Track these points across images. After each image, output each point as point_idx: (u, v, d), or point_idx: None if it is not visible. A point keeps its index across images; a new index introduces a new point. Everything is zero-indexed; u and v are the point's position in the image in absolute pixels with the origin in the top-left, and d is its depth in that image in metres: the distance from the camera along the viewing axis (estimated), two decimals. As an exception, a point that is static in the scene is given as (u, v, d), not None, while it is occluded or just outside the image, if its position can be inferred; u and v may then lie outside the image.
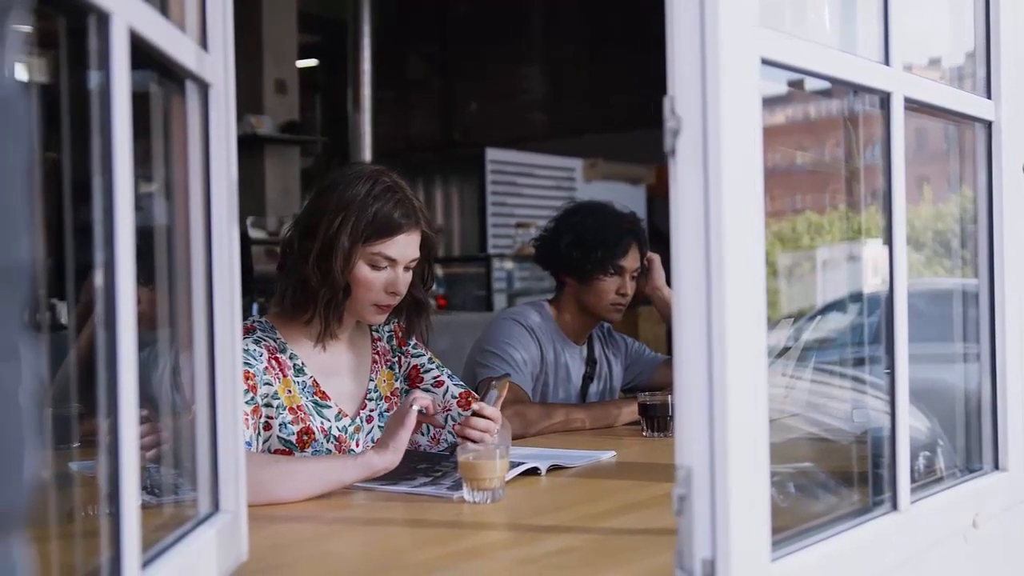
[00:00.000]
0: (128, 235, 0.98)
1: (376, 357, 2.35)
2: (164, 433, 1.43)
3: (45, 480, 1.17)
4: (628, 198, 6.50)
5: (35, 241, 0.55)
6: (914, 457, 1.58)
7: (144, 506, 1.03)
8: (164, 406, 1.40)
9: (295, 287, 2.17)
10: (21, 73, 0.57)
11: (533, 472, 2.10)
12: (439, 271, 7.55)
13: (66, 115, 1.04)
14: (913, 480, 1.53)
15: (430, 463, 2.16)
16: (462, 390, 2.37)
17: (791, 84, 1.45)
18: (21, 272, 0.53)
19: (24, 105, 0.57)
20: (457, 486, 1.91)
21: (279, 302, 2.25)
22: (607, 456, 2.33)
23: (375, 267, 2.16)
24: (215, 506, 1.35)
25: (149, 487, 1.32)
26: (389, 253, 2.15)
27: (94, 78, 0.97)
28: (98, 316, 0.96)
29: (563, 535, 1.66)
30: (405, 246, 2.17)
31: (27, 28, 0.63)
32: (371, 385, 2.31)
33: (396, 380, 2.37)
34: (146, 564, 1.06)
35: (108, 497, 1.00)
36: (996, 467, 1.79)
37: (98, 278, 0.96)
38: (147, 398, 1.23)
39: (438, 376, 2.38)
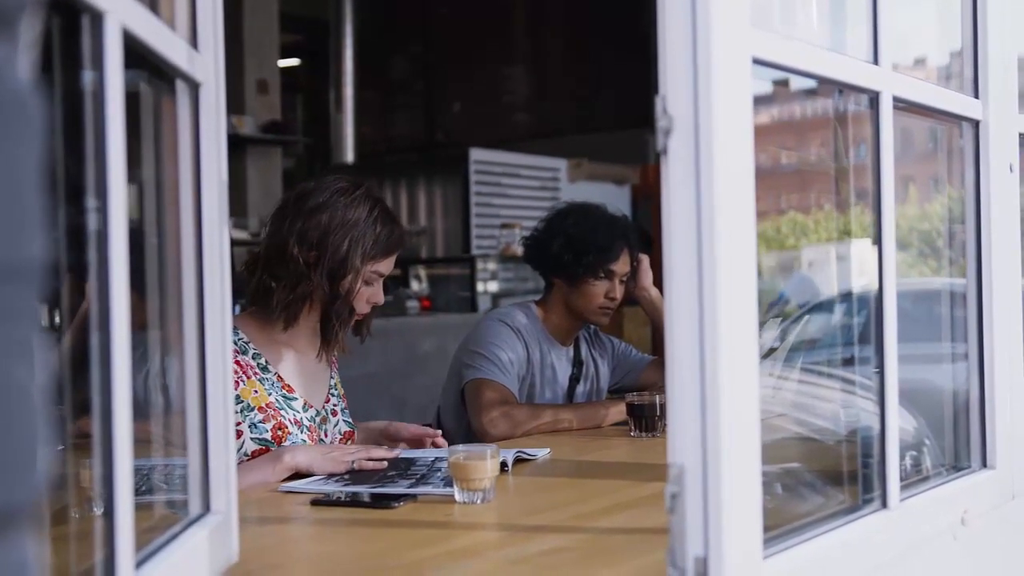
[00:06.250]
0: (121, 235, 0.97)
1: (334, 359, 2.43)
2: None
3: (54, 478, 1.16)
4: (613, 198, 6.50)
5: (47, 240, 0.55)
6: (901, 456, 1.58)
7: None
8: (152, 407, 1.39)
9: (300, 299, 2.22)
10: (33, 73, 0.57)
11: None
12: (422, 272, 7.56)
13: (57, 114, 1.03)
14: (901, 479, 1.54)
15: (401, 467, 2.14)
16: (348, 428, 2.42)
17: (776, 83, 1.45)
18: (35, 270, 0.53)
19: (37, 104, 0.57)
20: (449, 483, 1.90)
21: (277, 305, 2.23)
22: (542, 453, 2.33)
23: (368, 283, 2.26)
24: (206, 507, 1.34)
25: (136, 486, 1.31)
26: (384, 271, 2.28)
27: (86, 77, 0.96)
28: (92, 318, 0.96)
29: (555, 535, 1.65)
30: (393, 262, 2.31)
31: (38, 29, 0.62)
32: (332, 382, 2.41)
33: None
34: (139, 564, 1.05)
35: (97, 498, 0.99)
36: (984, 465, 1.79)
37: (91, 280, 0.95)
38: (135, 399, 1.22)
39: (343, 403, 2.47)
